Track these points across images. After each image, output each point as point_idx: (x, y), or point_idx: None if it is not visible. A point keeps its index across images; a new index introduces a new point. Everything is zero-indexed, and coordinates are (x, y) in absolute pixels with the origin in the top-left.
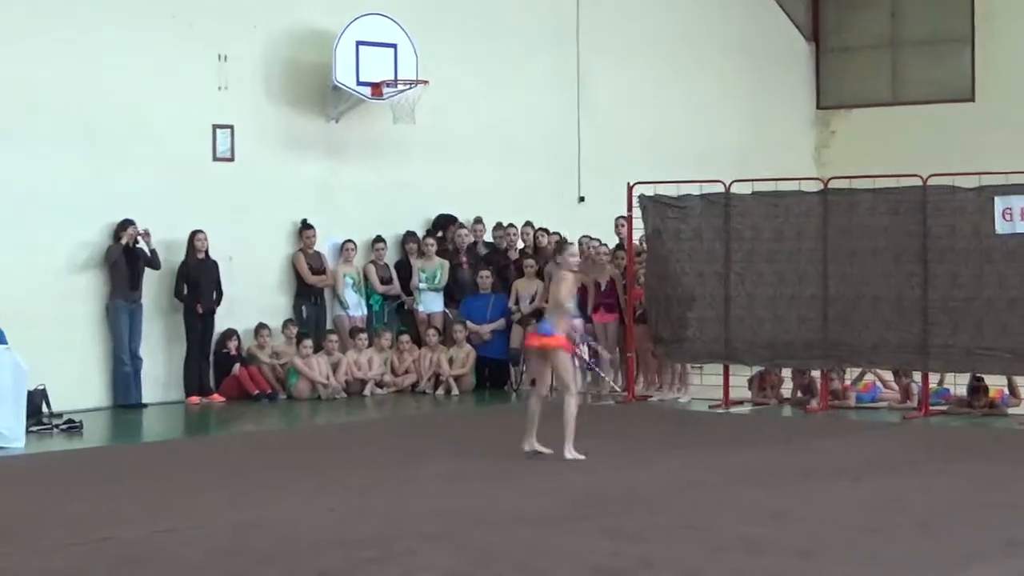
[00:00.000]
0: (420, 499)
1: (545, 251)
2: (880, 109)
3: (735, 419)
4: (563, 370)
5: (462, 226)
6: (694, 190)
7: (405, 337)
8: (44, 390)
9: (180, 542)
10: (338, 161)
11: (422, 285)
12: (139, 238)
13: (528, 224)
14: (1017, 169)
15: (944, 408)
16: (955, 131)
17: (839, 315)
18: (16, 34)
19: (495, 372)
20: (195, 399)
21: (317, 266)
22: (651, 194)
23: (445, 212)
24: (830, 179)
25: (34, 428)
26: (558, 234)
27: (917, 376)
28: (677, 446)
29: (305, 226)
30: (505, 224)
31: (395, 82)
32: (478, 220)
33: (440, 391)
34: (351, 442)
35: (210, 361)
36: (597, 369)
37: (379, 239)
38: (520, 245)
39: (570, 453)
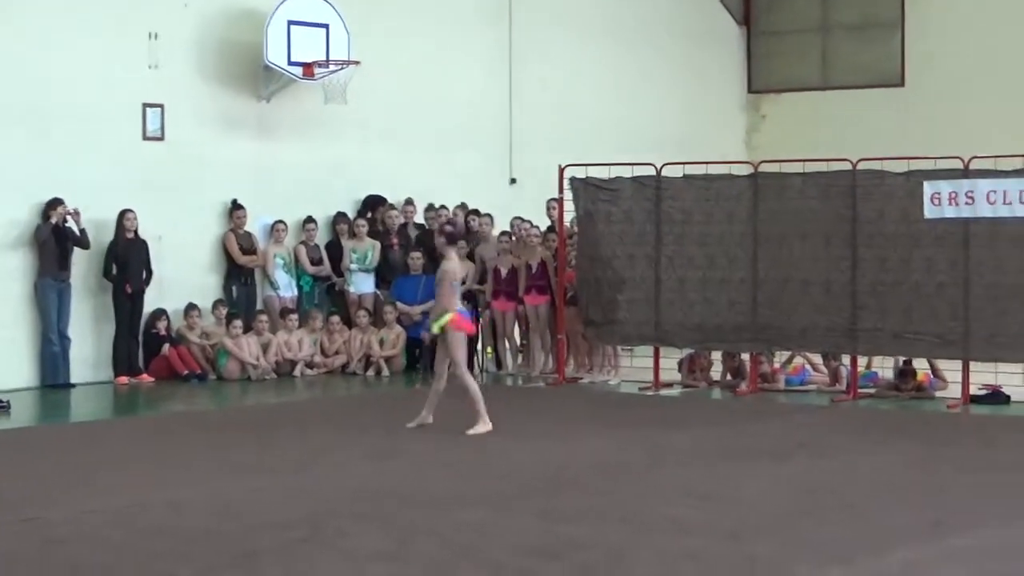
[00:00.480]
0: (350, 479)
1: (477, 234)
2: (810, 93)
3: (665, 401)
4: (455, 349)
5: (393, 207)
6: (626, 173)
7: (336, 318)
8: None
9: (108, 522)
10: (270, 141)
11: (353, 266)
12: (68, 217)
13: (460, 206)
14: (946, 154)
15: (872, 391)
16: (885, 116)
17: (769, 298)
18: None
19: (425, 353)
20: (124, 379)
21: (248, 246)
22: (583, 176)
23: (376, 193)
24: (760, 163)
25: None
26: (489, 216)
27: (846, 359)
28: (607, 427)
29: (236, 206)
30: (436, 205)
31: (327, 62)
32: (408, 201)
33: (371, 372)
34: (281, 423)
35: (139, 341)
36: None
37: (310, 219)
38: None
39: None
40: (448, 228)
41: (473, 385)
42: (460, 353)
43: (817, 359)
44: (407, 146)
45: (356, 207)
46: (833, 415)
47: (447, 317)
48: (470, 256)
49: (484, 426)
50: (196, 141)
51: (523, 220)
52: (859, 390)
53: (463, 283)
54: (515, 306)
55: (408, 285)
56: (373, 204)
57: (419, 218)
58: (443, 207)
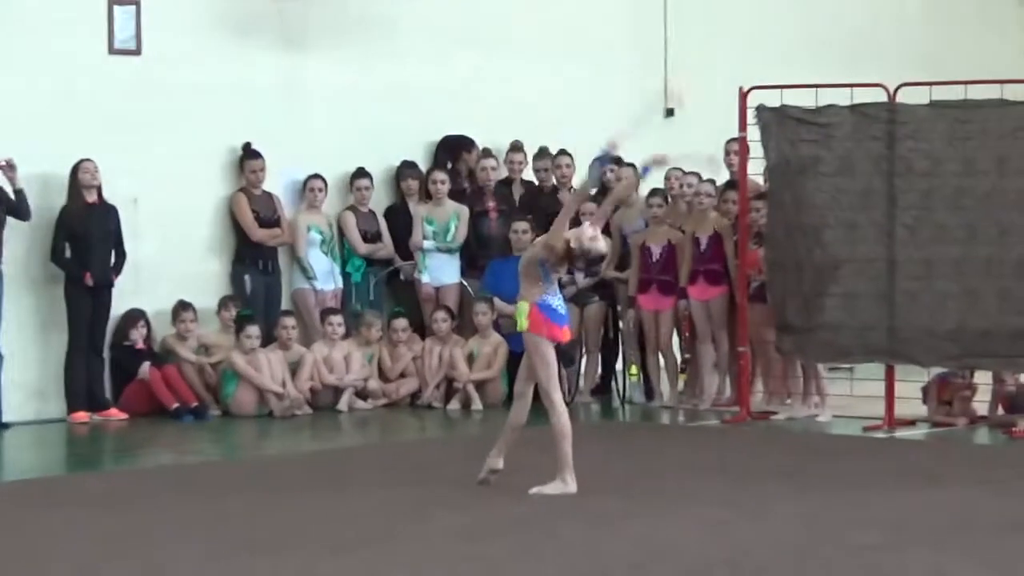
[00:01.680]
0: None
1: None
2: None
3: (904, 448)
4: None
5: (488, 153)
6: (841, 98)
7: (402, 322)
8: None
9: None
10: (298, 55)
11: (428, 243)
12: None
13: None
14: None
15: None
16: None
17: None
18: None
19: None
20: (82, 415)
21: (268, 215)
22: (775, 105)
23: (460, 133)
24: None
25: None
26: (633, 166)
27: None
28: (814, 488)
29: (249, 154)
30: (554, 151)
31: None
32: (515, 146)
33: (455, 404)
34: (319, 484)
35: (104, 359)
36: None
37: (361, 173)
38: (577, 182)
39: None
40: (609, 150)
41: (561, 419)
42: (544, 367)
43: None
44: (507, 60)
45: (430, 154)
46: None
47: (523, 309)
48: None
49: (563, 486)
50: (187, 56)
51: (685, 172)
52: None
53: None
54: (673, 302)
55: (511, 272)
56: (456, 149)
57: (528, 172)
58: (563, 152)
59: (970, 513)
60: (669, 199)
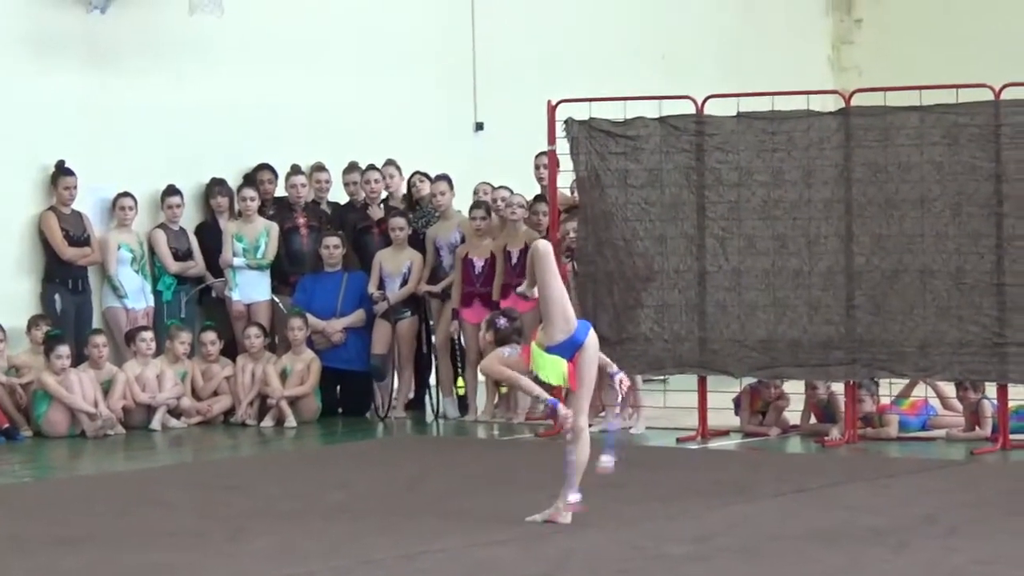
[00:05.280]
0: None
1: (426, 205)
2: None
3: (716, 459)
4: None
5: (297, 170)
6: (649, 110)
7: (210, 335)
8: None
9: None
10: (107, 72)
11: (238, 260)
12: None
13: (391, 164)
14: None
15: None
16: None
17: (871, 298)
18: None
19: (351, 391)
20: None
21: (77, 233)
22: (584, 118)
23: (269, 152)
24: (854, 92)
25: None
26: (446, 179)
27: (991, 390)
28: (625, 501)
29: (62, 171)
30: (363, 166)
31: None
32: (318, 167)
33: (268, 421)
34: (132, 505)
35: None
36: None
37: (172, 191)
38: (383, 196)
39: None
40: (501, 322)
41: (580, 449)
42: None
43: (948, 390)
44: (317, 76)
45: (241, 172)
46: (973, 474)
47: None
48: (415, 239)
49: (559, 513)
50: None
51: (495, 187)
52: (1011, 436)
53: (402, 282)
54: None
55: (322, 287)
56: (265, 168)
57: (337, 189)
58: (372, 167)
59: (783, 523)
60: (491, 212)
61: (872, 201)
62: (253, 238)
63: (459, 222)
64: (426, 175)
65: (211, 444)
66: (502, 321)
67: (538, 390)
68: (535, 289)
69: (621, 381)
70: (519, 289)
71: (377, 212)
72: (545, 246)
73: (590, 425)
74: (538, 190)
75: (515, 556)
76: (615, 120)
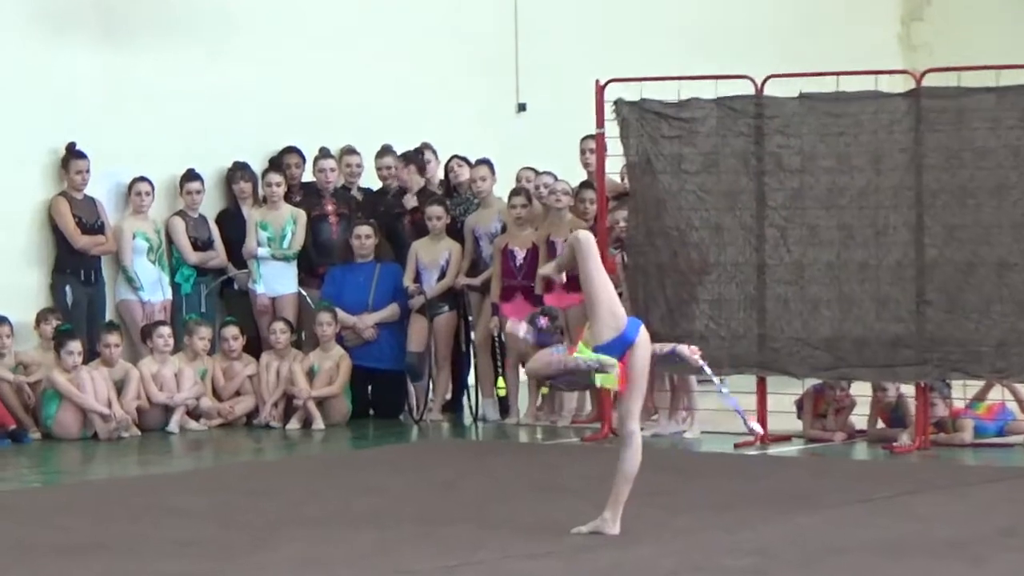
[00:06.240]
0: None
1: (465, 192)
2: None
3: (775, 465)
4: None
5: (326, 154)
6: (705, 91)
7: (232, 330)
8: None
9: None
10: (123, 51)
11: (263, 251)
12: None
13: (428, 147)
14: None
15: None
16: None
17: (944, 294)
18: None
19: (384, 392)
20: None
21: (90, 221)
22: (635, 99)
23: (297, 134)
24: (925, 72)
25: None
26: (486, 162)
27: None
28: (680, 511)
29: (73, 155)
30: (396, 149)
31: None
32: (348, 150)
33: (294, 423)
34: (148, 512)
35: None
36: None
37: (191, 175)
38: (420, 183)
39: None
40: (541, 322)
41: (630, 457)
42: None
43: None
44: (346, 55)
45: (266, 156)
46: None
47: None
48: (453, 228)
49: (606, 524)
50: (1, 51)
51: (538, 172)
52: None
53: (440, 275)
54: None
55: (353, 279)
56: (292, 151)
57: (369, 174)
58: (420, 151)
59: (848, 535)
60: (532, 200)
61: (945, 188)
62: (279, 226)
63: (500, 210)
64: (465, 159)
65: (233, 448)
66: (542, 321)
67: (588, 359)
68: (563, 274)
69: (691, 349)
70: (543, 270)
71: (411, 200)
72: (586, 236)
73: (642, 429)
74: (584, 176)
75: (558, 569)
76: (668, 101)
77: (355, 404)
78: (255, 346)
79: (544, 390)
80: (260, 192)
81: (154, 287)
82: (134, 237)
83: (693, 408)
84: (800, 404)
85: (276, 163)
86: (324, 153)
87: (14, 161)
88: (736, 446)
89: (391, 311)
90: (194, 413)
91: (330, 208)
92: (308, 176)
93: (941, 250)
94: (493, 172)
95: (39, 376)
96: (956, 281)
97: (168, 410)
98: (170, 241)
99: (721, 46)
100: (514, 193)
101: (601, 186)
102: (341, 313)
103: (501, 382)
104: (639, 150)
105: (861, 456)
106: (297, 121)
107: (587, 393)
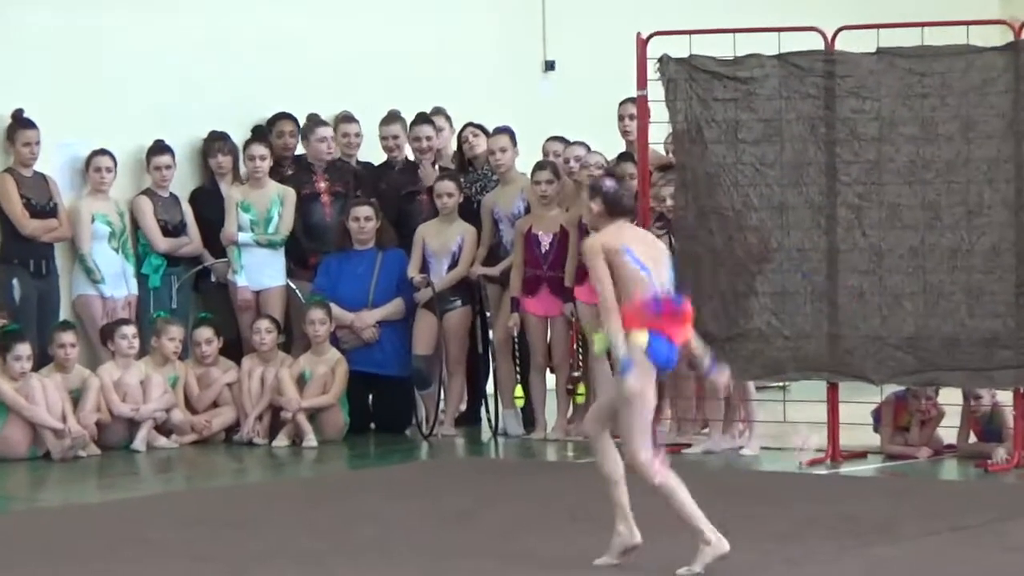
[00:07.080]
0: None
1: (482, 166)
2: None
3: (849, 487)
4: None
5: (320, 122)
6: (765, 46)
7: (205, 332)
8: None
9: None
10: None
11: (244, 236)
12: None
13: (439, 113)
14: None
15: None
16: None
17: None
18: None
19: (387, 402)
20: None
21: (41, 202)
22: (683, 56)
23: (284, 100)
24: None
25: None
26: (507, 131)
27: None
28: (735, 541)
29: (20, 123)
30: (406, 117)
31: None
32: (345, 117)
33: (282, 439)
34: (108, 544)
35: None
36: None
37: (160, 148)
38: (451, 150)
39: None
40: (608, 184)
41: (667, 479)
42: (636, 421)
43: None
44: (342, 5)
45: (248, 126)
46: None
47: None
48: (468, 209)
49: (710, 548)
50: None
51: (568, 142)
52: None
53: (452, 262)
54: (562, 307)
55: (351, 270)
56: (285, 118)
57: (371, 145)
58: (429, 118)
59: (935, 569)
60: (560, 175)
61: None
62: (263, 208)
63: (523, 187)
64: (482, 128)
65: (209, 468)
66: (609, 183)
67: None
68: None
69: (719, 379)
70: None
71: (422, 175)
72: (589, 247)
73: (689, 445)
74: (623, 147)
75: None
76: (723, 58)
77: (353, 417)
78: (235, 349)
79: (579, 398)
80: (241, 167)
81: (117, 279)
82: (93, 221)
83: (752, 420)
84: (878, 415)
85: (260, 133)
86: (317, 121)
87: None
88: (802, 464)
89: (395, 307)
90: (163, 428)
91: (322, 185)
92: (300, 149)
93: None
94: (515, 143)
95: None
96: None
97: (133, 424)
98: (135, 225)
99: None
100: (538, 167)
101: (643, 158)
102: (336, 309)
103: (519, 390)
104: (688, 116)
105: (950, 475)
106: (286, 84)
107: None
